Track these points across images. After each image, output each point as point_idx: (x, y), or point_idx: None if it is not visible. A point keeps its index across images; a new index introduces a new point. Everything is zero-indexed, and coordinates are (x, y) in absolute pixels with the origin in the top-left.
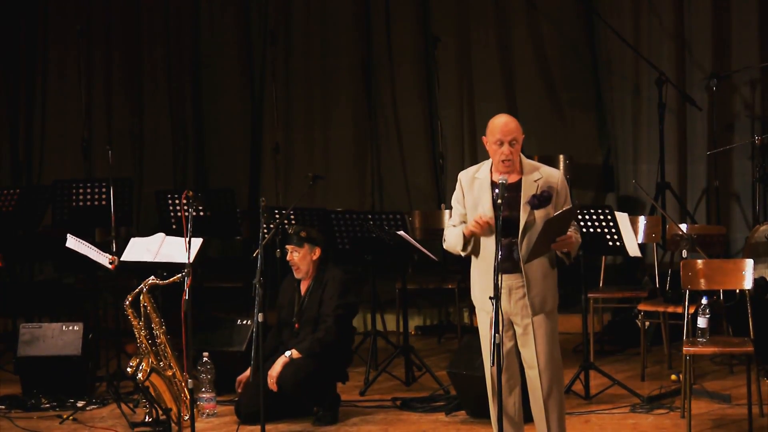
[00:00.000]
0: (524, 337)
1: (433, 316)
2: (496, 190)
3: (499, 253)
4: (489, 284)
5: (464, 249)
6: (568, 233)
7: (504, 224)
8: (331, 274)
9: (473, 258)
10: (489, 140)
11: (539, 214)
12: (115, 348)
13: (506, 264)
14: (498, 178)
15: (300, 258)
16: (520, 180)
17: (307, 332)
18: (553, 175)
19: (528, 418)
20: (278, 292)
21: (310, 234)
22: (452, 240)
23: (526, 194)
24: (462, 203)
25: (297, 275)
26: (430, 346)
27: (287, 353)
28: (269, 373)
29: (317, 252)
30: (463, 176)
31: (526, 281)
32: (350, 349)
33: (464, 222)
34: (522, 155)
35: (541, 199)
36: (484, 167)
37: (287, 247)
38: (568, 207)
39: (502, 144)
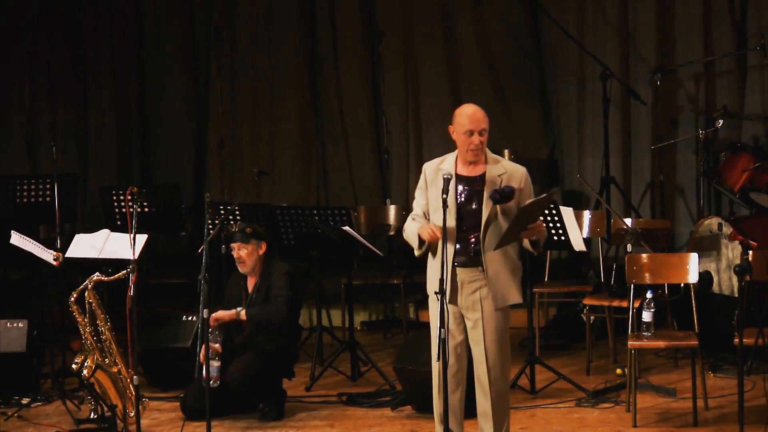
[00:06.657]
0: (474, 332)
1: (378, 312)
2: (454, 181)
3: (446, 247)
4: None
5: (419, 248)
6: (538, 221)
7: (466, 217)
8: (277, 267)
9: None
10: (457, 130)
11: (501, 208)
12: (60, 345)
13: (461, 257)
14: (445, 174)
15: (247, 254)
16: (484, 173)
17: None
18: (518, 171)
19: (469, 413)
20: (224, 288)
21: (255, 229)
22: (409, 235)
23: (489, 189)
24: (425, 194)
25: (243, 270)
26: (375, 341)
27: (238, 308)
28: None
29: (263, 247)
30: (428, 167)
31: (488, 276)
32: (296, 346)
33: (425, 213)
34: (487, 148)
35: (503, 195)
36: (449, 159)
37: (233, 244)
38: (545, 195)
39: (472, 134)
